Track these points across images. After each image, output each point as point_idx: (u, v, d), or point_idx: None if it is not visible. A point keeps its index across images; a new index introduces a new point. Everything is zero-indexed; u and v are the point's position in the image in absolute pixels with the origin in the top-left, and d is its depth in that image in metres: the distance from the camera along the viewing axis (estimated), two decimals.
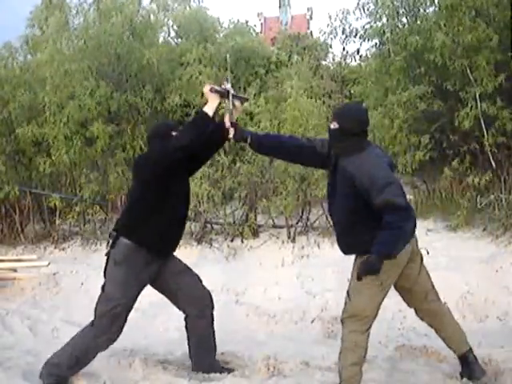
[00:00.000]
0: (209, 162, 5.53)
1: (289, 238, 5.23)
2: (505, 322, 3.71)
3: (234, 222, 5.50)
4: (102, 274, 2.81)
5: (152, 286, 2.96)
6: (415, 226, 2.52)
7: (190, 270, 3.09)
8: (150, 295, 4.48)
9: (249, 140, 2.76)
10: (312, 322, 3.92)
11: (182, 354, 3.26)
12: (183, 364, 3.15)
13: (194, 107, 6.38)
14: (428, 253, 2.78)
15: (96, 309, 2.76)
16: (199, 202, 5.38)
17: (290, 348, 3.40)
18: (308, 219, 5.43)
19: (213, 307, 3.05)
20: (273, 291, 4.39)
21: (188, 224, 5.59)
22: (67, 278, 5.01)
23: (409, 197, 5.68)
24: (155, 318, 4.16)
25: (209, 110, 2.72)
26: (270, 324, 3.99)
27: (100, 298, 2.77)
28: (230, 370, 3.00)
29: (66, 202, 6.06)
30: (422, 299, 2.78)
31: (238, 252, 5.17)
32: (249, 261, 5.02)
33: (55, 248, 5.85)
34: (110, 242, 2.82)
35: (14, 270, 5.01)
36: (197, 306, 2.96)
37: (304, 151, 2.75)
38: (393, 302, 4.01)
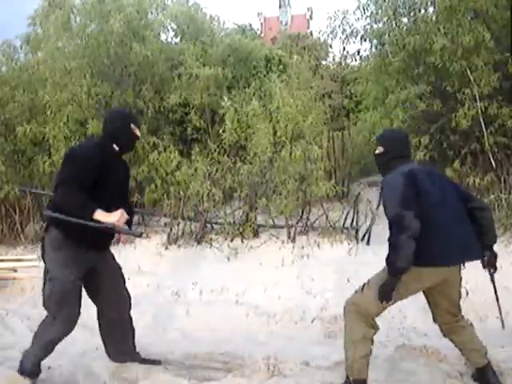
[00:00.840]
0: (209, 162, 5.56)
1: (289, 238, 5.23)
2: (505, 321, 3.70)
3: (234, 222, 5.51)
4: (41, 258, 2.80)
5: (85, 281, 2.87)
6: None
7: (120, 270, 3.04)
8: (150, 295, 4.51)
9: None
10: (312, 321, 3.92)
11: (181, 354, 3.26)
12: (183, 364, 3.15)
13: (193, 107, 6.38)
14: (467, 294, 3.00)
15: (45, 293, 2.72)
16: (199, 202, 5.38)
17: (290, 348, 3.41)
18: (308, 219, 5.43)
19: (130, 309, 3.08)
20: (273, 291, 4.39)
21: (188, 224, 5.62)
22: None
23: None
24: (155, 317, 4.16)
25: (99, 217, 2.54)
26: (270, 324, 3.99)
27: (45, 284, 2.73)
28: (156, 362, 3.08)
29: None
30: (450, 318, 2.83)
31: (238, 252, 5.17)
32: (249, 261, 5.02)
33: None
34: (43, 226, 2.85)
35: (14, 270, 5.00)
36: (118, 308, 2.99)
37: None
38: None
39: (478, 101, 5.03)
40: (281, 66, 7.56)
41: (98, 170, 2.64)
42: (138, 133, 2.92)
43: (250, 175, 5.40)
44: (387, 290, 2.53)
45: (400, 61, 5.61)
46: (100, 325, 3.05)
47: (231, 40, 7.47)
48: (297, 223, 5.41)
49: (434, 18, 5.62)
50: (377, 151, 2.75)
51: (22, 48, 7.12)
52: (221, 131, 5.78)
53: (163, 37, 7.84)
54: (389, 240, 2.53)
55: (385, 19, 5.89)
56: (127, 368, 3.03)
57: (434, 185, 2.58)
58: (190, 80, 6.46)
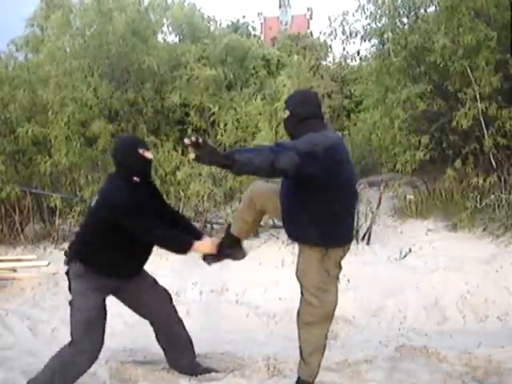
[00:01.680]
0: None
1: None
2: (505, 322, 3.71)
3: None
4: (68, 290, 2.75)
5: (121, 301, 2.92)
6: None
7: (156, 285, 2.97)
8: None
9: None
10: None
11: None
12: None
13: (193, 107, 6.38)
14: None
15: (71, 323, 2.66)
16: (200, 202, 5.38)
17: (290, 348, 3.40)
18: None
19: (179, 325, 3.04)
20: (273, 291, 4.38)
21: None
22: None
23: (409, 197, 5.75)
24: None
25: (197, 248, 2.70)
26: (270, 324, 3.99)
27: (71, 315, 2.67)
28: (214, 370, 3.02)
29: (66, 202, 6.06)
30: None
31: None
32: (249, 261, 5.00)
33: (55, 248, 5.85)
34: (66, 259, 2.74)
35: (14, 270, 5.00)
36: (162, 324, 2.95)
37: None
38: (393, 302, 4.04)
39: (478, 101, 5.02)
40: (281, 67, 7.55)
41: (143, 207, 2.62)
42: (149, 155, 2.72)
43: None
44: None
45: (401, 60, 5.61)
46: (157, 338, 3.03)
47: (229, 40, 7.48)
48: None
49: (434, 17, 5.61)
50: (284, 115, 2.51)
51: (21, 48, 7.15)
52: (220, 131, 5.77)
53: (163, 37, 7.87)
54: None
55: (385, 19, 5.88)
56: (127, 368, 3.03)
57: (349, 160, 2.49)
58: (190, 80, 6.46)
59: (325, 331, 2.55)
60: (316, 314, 2.53)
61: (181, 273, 4.88)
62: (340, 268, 2.57)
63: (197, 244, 2.68)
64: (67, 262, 2.73)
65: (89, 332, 2.63)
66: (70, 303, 2.68)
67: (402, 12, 5.96)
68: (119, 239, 2.63)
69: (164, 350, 3.02)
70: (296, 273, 2.57)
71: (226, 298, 4.38)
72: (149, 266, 5.05)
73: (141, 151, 2.67)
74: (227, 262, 5.14)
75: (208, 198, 5.34)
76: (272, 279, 4.56)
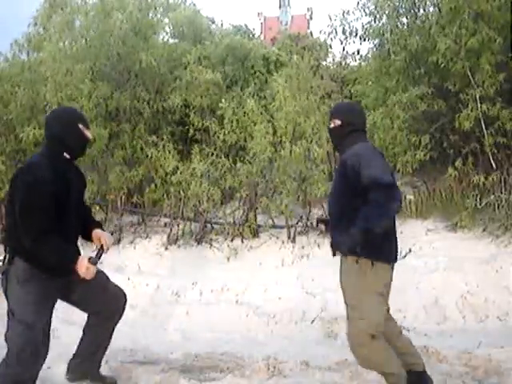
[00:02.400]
0: (209, 162, 5.56)
1: (289, 238, 5.23)
2: (505, 322, 3.71)
3: (234, 222, 5.50)
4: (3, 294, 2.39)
5: (67, 302, 2.66)
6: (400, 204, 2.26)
7: (99, 273, 2.57)
8: (150, 295, 4.51)
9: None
10: (312, 322, 3.92)
11: (181, 354, 3.26)
12: (183, 364, 3.15)
13: (193, 108, 6.39)
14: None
15: (7, 338, 2.34)
16: (199, 202, 5.39)
17: (290, 348, 3.41)
18: (308, 219, 5.43)
19: (121, 314, 2.77)
20: (273, 291, 4.39)
21: (188, 224, 5.62)
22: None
23: (409, 197, 5.75)
24: (155, 317, 4.16)
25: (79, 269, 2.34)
26: (270, 324, 3.99)
27: (11, 326, 2.34)
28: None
29: None
30: None
31: (238, 252, 5.17)
32: (249, 261, 5.02)
33: None
34: (6, 258, 2.39)
35: None
36: (110, 308, 2.69)
37: None
38: (393, 302, 4.03)
39: (478, 102, 5.02)
40: (279, 66, 7.55)
41: (58, 191, 2.33)
42: (88, 134, 2.53)
43: (249, 175, 5.40)
44: (354, 242, 2.18)
45: (401, 61, 5.60)
46: (84, 332, 2.78)
47: (230, 40, 7.48)
48: (297, 223, 5.41)
49: (435, 17, 5.60)
50: (331, 125, 2.55)
51: (23, 47, 7.15)
52: (219, 132, 5.77)
53: (163, 37, 7.87)
54: (374, 199, 2.15)
55: (384, 19, 5.88)
56: (127, 368, 3.03)
57: None
58: (190, 81, 6.47)
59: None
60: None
61: (181, 273, 4.88)
62: None
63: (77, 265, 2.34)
64: (8, 261, 2.38)
65: (35, 352, 2.35)
66: (11, 312, 2.35)
67: (401, 11, 5.96)
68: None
69: (79, 347, 2.77)
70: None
71: (226, 298, 4.38)
72: (149, 266, 5.06)
73: (81, 127, 2.49)
74: (227, 262, 5.17)
75: (207, 199, 5.34)
76: (272, 279, 4.57)
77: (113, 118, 6.37)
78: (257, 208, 5.52)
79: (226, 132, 5.69)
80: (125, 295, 2.78)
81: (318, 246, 5.08)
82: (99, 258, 2.49)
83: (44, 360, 2.42)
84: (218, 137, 5.73)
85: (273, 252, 5.09)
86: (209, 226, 5.70)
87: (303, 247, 5.09)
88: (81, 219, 2.58)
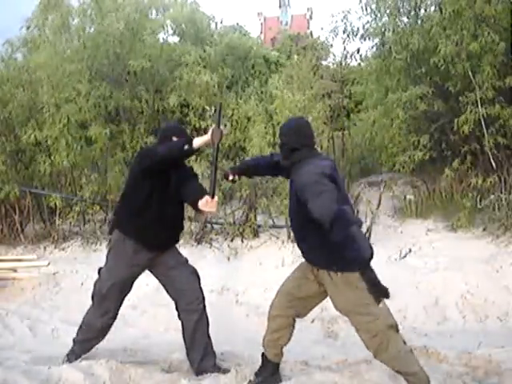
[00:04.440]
0: (209, 162, 5.55)
1: (289, 238, 5.22)
2: (505, 322, 3.71)
3: (234, 222, 5.50)
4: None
5: (153, 274, 3.09)
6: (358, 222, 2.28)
7: (187, 264, 3.09)
8: (150, 296, 4.50)
9: (234, 177, 2.92)
10: (312, 322, 3.92)
11: (181, 354, 3.25)
12: (183, 364, 3.15)
13: (192, 108, 6.38)
14: None
15: (94, 287, 3.02)
16: None
17: (290, 348, 3.40)
18: None
19: (202, 302, 3.06)
20: (273, 291, 4.34)
21: (188, 224, 5.61)
22: (67, 278, 5.01)
23: (409, 197, 5.75)
24: (155, 317, 4.16)
25: (197, 143, 2.75)
26: None
27: (96, 280, 3.01)
28: (225, 371, 2.99)
29: (65, 201, 6.06)
30: None
31: (238, 252, 5.17)
32: (249, 261, 5.02)
33: (55, 248, 5.85)
34: (109, 229, 3.10)
35: (14, 270, 5.00)
36: (185, 300, 3.00)
37: (271, 166, 2.87)
38: (393, 302, 4.03)
39: (479, 105, 5.01)
40: (279, 66, 7.56)
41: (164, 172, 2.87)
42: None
43: None
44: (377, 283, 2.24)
45: (402, 61, 5.60)
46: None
47: (230, 40, 7.48)
48: None
49: (436, 18, 5.60)
50: (279, 142, 2.69)
51: (19, 49, 7.13)
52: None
53: (162, 37, 7.86)
54: (336, 238, 2.17)
55: (385, 18, 5.89)
56: (127, 368, 3.03)
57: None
58: (189, 81, 6.46)
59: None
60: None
61: None
62: None
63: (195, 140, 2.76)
64: (109, 232, 3.07)
65: (104, 301, 2.97)
66: (99, 270, 3.01)
67: (402, 11, 5.96)
68: (147, 199, 2.83)
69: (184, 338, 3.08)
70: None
71: (226, 298, 4.38)
72: None
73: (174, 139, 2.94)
74: (227, 262, 5.17)
75: None
76: (272, 279, 4.55)
77: (112, 118, 6.36)
78: (257, 208, 5.52)
79: (226, 132, 5.69)
80: (199, 290, 3.07)
81: None
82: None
83: (110, 312, 3.00)
84: None
85: (273, 252, 5.09)
86: (209, 225, 5.70)
87: None
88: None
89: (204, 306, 3.06)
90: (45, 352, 3.47)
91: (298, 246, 2.77)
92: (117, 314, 3.07)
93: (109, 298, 2.96)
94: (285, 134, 2.63)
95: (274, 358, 2.80)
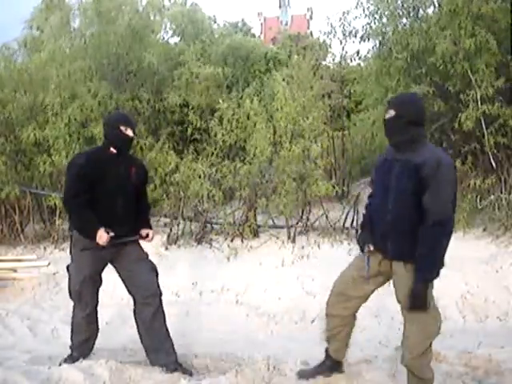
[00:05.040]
0: (209, 162, 5.56)
1: (289, 238, 5.23)
2: (505, 322, 3.71)
3: (234, 222, 5.51)
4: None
5: (115, 269, 3.12)
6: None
7: (147, 260, 3.17)
8: None
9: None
10: (312, 322, 3.92)
11: (181, 355, 3.25)
12: (183, 364, 3.15)
13: (192, 107, 6.38)
14: None
15: (68, 287, 3.07)
16: (199, 202, 5.38)
17: (290, 348, 3.40)
18: (308, 219, 5.43)
19: (159, 297, 3.07)
20: (273, 291, 4.39)
21: (188, 224, 5.62)
22: (67, 278, 5.00)
23: None
24: None
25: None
26: (270, 324, 3.99)
27: (68, 278, 3.05)
28: (188, 372, 3.00)
29: None
30: None
31: (238, 252, 5.17)
32: (249, 261, 5.02)
33: (55, 248, 5.85)
34: (69, 227, 3.12)
35: (14, 270, 5.00)
36: (142, 294, 3.03)
37: None
38: (393, 302, 4.03)
39: (479, 103, 5.01)
40: (279, 66, 7.56)
41: (91, 174, 2.85)
42: (129, 133, 3.00)
43: (249, 175, 5.39)
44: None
45: (401, 61, 5.61)
46: (135, 320, 3.12)
47: (231, 40, 7.49)
48: (297, 223, 5.41)
49: (434, 18, 5.60)
50: (386, 116, 2.37)
51: (20, 50, 7.13)
52: (219, 132, 5.76)
53: (163, 37, 7.87)
54: (431, 235, 2.17)
55: (385, 19, 5.89)
56: (127, 368, 3.03)
57: None
58: (189, 80, 6.46)
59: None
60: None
61: (181, 273, 4.88)
62: None
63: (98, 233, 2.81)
64: (69, 228, 3.10)
65: (80, 297, 3.02)
66: (67, 268, 3.04)
67: (401, 12, 5.96)
68: (92, 194, 2.86)
69: (142, 342, 3.11)
70: None
71: (226, 298, 4.38)
72: None
73: (123, 128, 2.96)
74: (227, 262, 5.17)
75: (208, 198, 5.34)
76: (272, 279, 4.57)
77: None
78: (257, 208, 5.52)
79: (226, 132, 5.69)
80: (156, 285, 3.09)
81: (318, 246, 5.08)
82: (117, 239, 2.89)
83: (89, 305, 3.07)
84: (220, 137, 5.72)
85: (273, 252, 5.09)
86: (209, 226, 5.70)
87: (303, 247, 5.09)
88: (130, 210, 3.01)
89: (161, 302, 3.06)
90: (45, 352, 3.47)
91: (379, 229, 2.45)
92: (96, 306, 3.12)
93: (84, 292, 3.01)
94: (401, 106, 2.33)
95: (334, 353, 2.76)
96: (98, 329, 3.22)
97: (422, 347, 2.37)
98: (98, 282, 3.08)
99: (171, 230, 5.54)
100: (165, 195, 5.78)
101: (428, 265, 2.27)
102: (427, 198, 2.20)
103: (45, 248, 5.89)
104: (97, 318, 3.18)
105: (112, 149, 2.99)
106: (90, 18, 6.52)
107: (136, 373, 2.97)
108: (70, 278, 3.04)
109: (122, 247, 3.02)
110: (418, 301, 2.30)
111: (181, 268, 4.98)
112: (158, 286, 3.08)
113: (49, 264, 4.95)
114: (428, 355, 2.41)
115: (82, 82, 6.05)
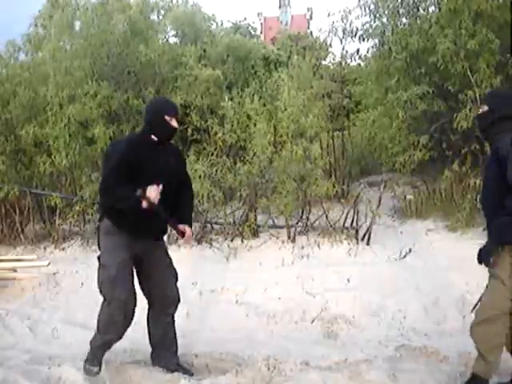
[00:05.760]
0: (210, 162, 5.56)
1: (289, 238, 5.22)
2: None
3: (234, 222, 5.50)
4: (97, 246, 2.99)
5: (136, 269, 2.99)
6: None
7: (171, 267, 3.11)
8: None
9: None
10: (312, 322, 3.93)
11: (181, 354, 3.26)
12: (183, 364, 3.15)
13: (194, 108, 6.38)
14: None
15: (98, 279, 2.85)
16: (199, 202, 5.38)
17: (290, 348, 3.41)
18: (308, 219, 5.43)
19: (176, 308, 3.09)
20: (273, 291, 4.39)
21: None
22: (67, 278, 5.01)
23: (409, 197, 5.75)
24: None
25: (144, 204, 2.70)
26: (270, 324, 3.99)
27: (98, 269, 2.87)
28: (188, 373, 3.02)
29: (66, 201, 6.05)
30: None
31: (238, 252, 5.17)
32: (249, 261, 5.02)
33: (55, 248, 5.85)
34: (99, 215, 3.05)
35: (14, 270, 5.01)
36: (162, 303, 3.01)
37: None
38: (393, 302, 4.04)
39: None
40: (279, 66, 7.56)
41: (132, 162, 2.75)
42: (174, 123, 2.91)
43: (249, 175, 5.39)
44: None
45: (401, 61, 5.61)
46: (147, 321, 3.08)
47: (230, 40, 7.50)
48: (297, 223, 5.40)
49: (435, 18, 5.60)
50: (480, 111, 2.49)
51: (24, 46, 7.13)
52: (219, 132, 5.76)
53: (164, 37, 7.86)
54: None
55: (385, 19, 5.89)
56: (128, 368, 3.03)
57: None
58: (190, 80, 6.46)
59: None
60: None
61: (181, 273, 4.87)
62: None
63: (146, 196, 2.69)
64: (99, 219, 3.01)
65: (116, 287, 2.77)
66: (98, 258, 2.89)
67: (401, 11, 5.96)
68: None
69: (151, 342, 3.10)
70: None
71: (226, 298, 4.38)
72: None
73: (167, 118, 2.86)
74: (227, 262, 5.16)
75: (208, 199, 5.34)
76: (272, 279, 4.57)
77: (113, 118, 6.36)
78: (257, 208, 5.52)
79: (226, 132, 5.69)
80: (177, 297, 3.09)
81: (318, 245, 5.08)
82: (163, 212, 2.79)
83: (125, 293, 2.79)
84: (219, 137, 5.73)
85: (273, 252, 5.09)
86: (209, 225, 5.70)
87: (303, 247, 5.09)
88: (169, 202, 2.85)
89: (174, 312, 3.10)
90: (45, 352, 3.47)
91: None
92: (135, 291, 2.90)
93: (120, 277, 2.80)
94: (495, 100, 2.45)
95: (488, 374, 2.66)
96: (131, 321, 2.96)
97: (486, 313, 2.48)
98: (132, 272, 2.92)
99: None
100: None
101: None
102: None
103: (45, 248, 5.89)
104: (134, 312, 2.92)
105: (153, 136, 2.90)
106: (92, 18, 6.52)
107: (136, 373, 2.98)
108: (100, 268, 2.85)
109: (151, 245, 2.96)
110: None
111: (181, 268, 4.96)
112: (178, 293, 3.09)
113: (49, 264, 4.95)
114: (492, 328, 2.47)
115: (82, 81, 6.04)
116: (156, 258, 2.99)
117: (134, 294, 2.87)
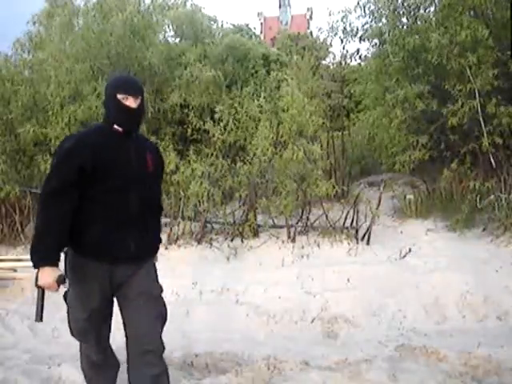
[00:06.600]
0: (209, 162, 5.56)
1: (289, 237, 5.23)
2: (504, 321, 3.71)
3: (234, 222, 5.51)
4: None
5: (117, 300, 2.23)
6: None
7: (159, 299, 2.21)
8: None
9: None
10: (312, 321, 3.93)
11: (182, 354, 3.26)
12: (183, 364, 3.16)
13: (193, 108, 6.38)
14: None
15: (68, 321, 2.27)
16: (199, 202, 5.38)
17: (290, 348, 3.41)
18: (308, 219, 5.43)
19: (159, 358, 2.16)
20: (273, 291, 4.39)
21: (188, 224, 5.62)
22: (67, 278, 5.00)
23: (409, 197, 5.75)
24: None
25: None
26: (270, 324, 3.99)
27: (67, 313, 2.26)
28: None
29: None
30: None
31: (238, 252, 5.17)
32: (249, 261, 5.02)
33: None
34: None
35: (14, 270, 5.00)
36: (141, 347, 2.13)
37: None
38: (393, 301, 4.04)
39: (477, 98, 5.00)
40: (279, 66, 7.56)
41: (85, 162, 2.01)
42: (129, 103, 2.10)
43: (249, 175, 5.40)
44: None
45: (400, 61, 5.61)
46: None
47: (230, 40, 7.50)
48: (297, 223, 5.41)
49: (433, 17, 5.61)
50: None
51: (24, 46, 7.14)
52: (219, 132, 5.76)
53: (164, 37, 7.87)
54: None
55: (384, 19, 5.90)
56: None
57: None
58: (189, 80, 6.47)
59: None
60: None
61: (181, 273, 4.88)
62: None
63: (41, 270, 2.03)
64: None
65: (85, 341, 2.29)
66: (65, 298, 2.21)
67: (401, 12, 5.97)
68: (87, 204, 2.05)
69: None
70: None
71: (226, 298, 4.38)
72: None
73: (120, 97, 2.10)
74: (227, 262, 5.17)
75: (207, 198, 5.34)
76: (272, 279, 4.57)
77: None
78: (257, 208, 5.52)
79: (225, 132, 5.69)
80: (158, 339, 2.18)
81: (318, 245, 5.08)
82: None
83: (98, 345, 2.26)
84: (219, 137, 5.72)
85: (273, 252, 5.09)
86: (209, 225, 5.70)
87: (303, 247, 5.09)
88: (151, 214, 2.22)
89: (162, 366, 2.17)
90: (45, 352, 3.48)
91: None
92: (108, 345, 2.34)
93: (89, 336, 2.22)
94: None
95: None
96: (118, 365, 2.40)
97: None
98: (108, 315, 2.24)
99: (171, 229, 5.54)
100: (165, 195, 5.78)
101: None
102: None
103: None
104: (113, 355, 2.37)
105: (116, 126, 2.14)
106: (93, 18, 6.53)
107: None
108: (69, 312, 2.22)
109: (137, 269, 2.15)
110: None
111: (181, 268, 4.98)
112: (161, 338, 2.18)
113: None
114: None
115: (82, 81, 6.05)
116: (137, 281, 2.14)
117: (111, 353, 2.34)
